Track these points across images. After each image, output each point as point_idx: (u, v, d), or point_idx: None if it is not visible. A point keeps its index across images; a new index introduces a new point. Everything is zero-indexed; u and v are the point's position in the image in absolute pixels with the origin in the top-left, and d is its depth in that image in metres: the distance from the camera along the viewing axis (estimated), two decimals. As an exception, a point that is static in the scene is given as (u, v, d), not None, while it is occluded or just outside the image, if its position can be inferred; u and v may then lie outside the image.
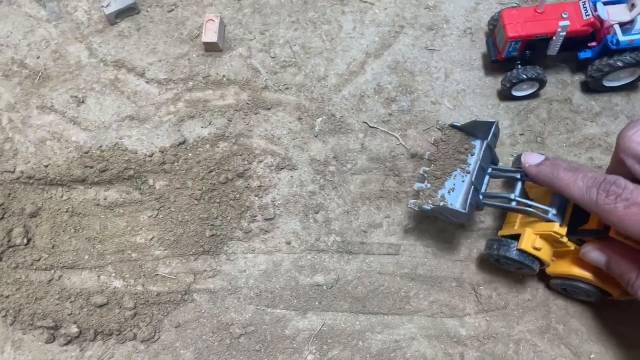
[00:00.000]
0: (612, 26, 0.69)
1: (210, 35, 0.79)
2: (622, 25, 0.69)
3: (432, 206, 0.62)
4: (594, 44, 0.73)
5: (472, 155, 0.64)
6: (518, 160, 0.64)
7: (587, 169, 0.53)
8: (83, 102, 0.80)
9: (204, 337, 0.68)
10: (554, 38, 0.70)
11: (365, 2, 0.85)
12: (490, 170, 0.64)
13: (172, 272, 0.71)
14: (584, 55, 0.74)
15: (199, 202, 0.72)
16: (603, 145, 0.74)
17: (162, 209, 0.73)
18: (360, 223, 0.73)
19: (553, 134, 0.75)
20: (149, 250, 0.72)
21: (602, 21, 0.70)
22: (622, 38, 0.68)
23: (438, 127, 0.67)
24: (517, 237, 0.62)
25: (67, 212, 0.73)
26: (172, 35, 0.83)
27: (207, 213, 0.72)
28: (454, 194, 0.63)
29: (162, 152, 0.75)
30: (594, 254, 0.56)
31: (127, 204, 0.74)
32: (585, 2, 0.70)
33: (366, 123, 0.78)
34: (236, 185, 0.74)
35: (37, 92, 0.80)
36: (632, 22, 0.69)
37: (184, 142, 0.76)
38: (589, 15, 0.69)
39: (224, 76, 0.81)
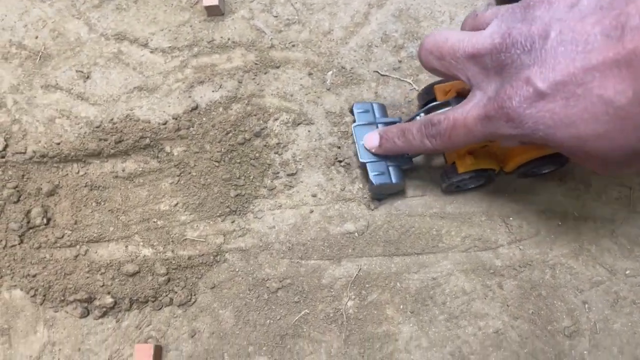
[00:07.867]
0: None
1: (211, -2, 0.78)
2: None
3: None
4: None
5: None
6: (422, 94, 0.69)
7: (407, 125, 0.58)
8: (88, 77, 0.78)
9: (241, 294, 0.68)
10: None
11: (361, -46, 0.84)
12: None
13: (200, 235, 0.70)
14: None
15: (219, 163, 0.72)
16: None
17: (182, 174, 0.72)
18: (382, 169, 0.72)
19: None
20: (174, 216, 0.71)
21: None
22: None
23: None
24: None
25: (85, 186, 0.72)
26: (170, 4, 0.82)
27: (229, 174, 0.71)
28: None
29: (176, 119, 0.74)
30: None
31: (146, 173, 0.73)
32: None
33: (377, 72, 0.77)
34: (254, 144, 0.73)
35: (39, 71, 0.78)
36: None
37: (196, 107, 0.75)
38: None
39: (228, 39, 0.80)
